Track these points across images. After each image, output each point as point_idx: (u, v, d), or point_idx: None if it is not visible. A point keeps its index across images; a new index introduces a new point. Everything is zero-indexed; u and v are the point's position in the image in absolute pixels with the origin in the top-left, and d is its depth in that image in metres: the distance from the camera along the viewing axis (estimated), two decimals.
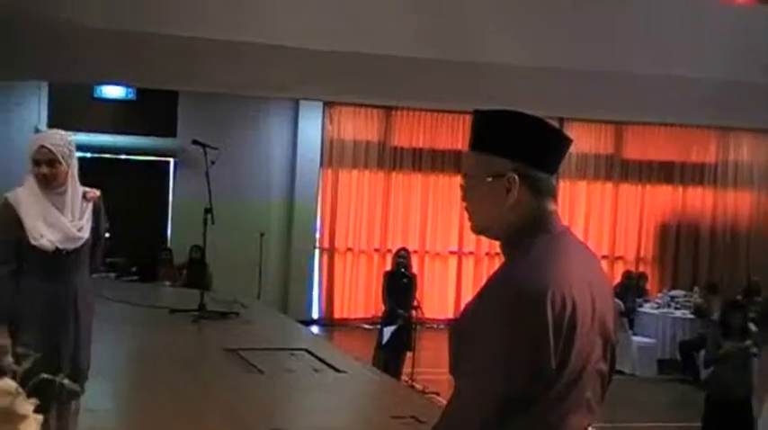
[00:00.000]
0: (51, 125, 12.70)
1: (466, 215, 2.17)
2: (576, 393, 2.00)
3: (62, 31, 9.66)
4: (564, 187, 15.12)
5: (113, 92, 14.07)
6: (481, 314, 2.04)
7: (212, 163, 8.92)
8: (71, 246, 4.24)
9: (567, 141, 2.16)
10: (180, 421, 5.33)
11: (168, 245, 14.36)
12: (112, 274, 12.55)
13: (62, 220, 4.23)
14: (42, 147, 4.18)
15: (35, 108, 13.65)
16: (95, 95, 14.04)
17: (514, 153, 2.07)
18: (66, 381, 1.68)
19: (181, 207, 14.12)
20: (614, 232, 16.35)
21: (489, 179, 2.08)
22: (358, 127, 15.21)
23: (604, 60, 11.13)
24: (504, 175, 2.07)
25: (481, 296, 2.07)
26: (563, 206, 14.08)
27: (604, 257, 15.60)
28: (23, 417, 1.50)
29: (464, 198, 2.15)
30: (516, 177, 2.06)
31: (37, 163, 4.19)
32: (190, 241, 12.55)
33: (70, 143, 4.28)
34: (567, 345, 1.96)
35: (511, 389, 1.94)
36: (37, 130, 11.89)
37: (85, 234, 4.30)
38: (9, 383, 1.50)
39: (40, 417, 1.53)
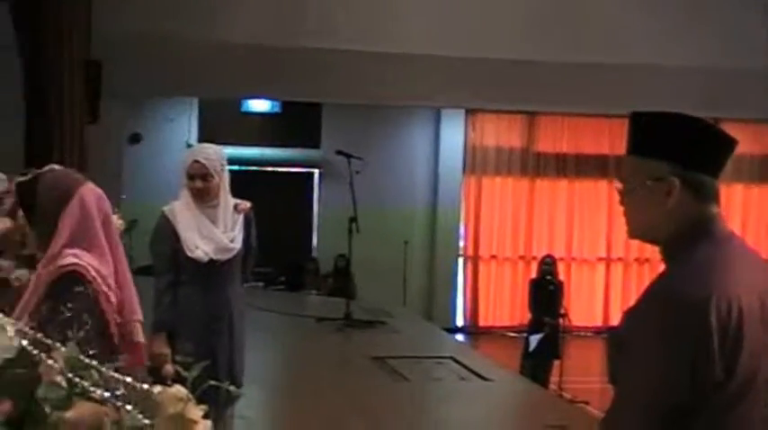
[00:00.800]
0: (201, 139, 13.11)
1: (622, 220, 2.12)
2: (746, 405, 1.91)
3: (210, 49, 9.99)
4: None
5: (260, 105, 14.43)
6: (639, 322, 1.99)
7: (356, 172, 9.01)
8: (224, 257, 4.34)
9: (732, 143, 2.06)
10: (327, 428, 5.40)
11: (314, 254, 14.60)
12: (261, 284, 12.84)
13: (215, 232, 4.32)
14: (196, 161, 4.29)
15: (186, 123, 14.12)
16: (243, 109, 14.44)
17: (674, 156, 2.00)
18: (231, 388, 1.73)
19: (326, 217, 14.33)
20: None
21: (649, 183, 2.02)
22: (501, 133, 15.08)
23: (759, 56, 10.68)
24: (663, 179, 2.00)
25: (640, 303, 2.01)
26: None
27: None
28: (194, 423, 1.54)
29: (622, 202, 2.10)
30: (677, 181, 1.99)
31: (191, 177, 4.29)
32: (335, 250, 12.73)
33: (222, 157, 4.37)
34: (734, 354, 1.88)
35: (666, 400, 1.88)
36: (188, 145, 12.28)
37: (237, 245, 4.38)
38: (181, 390, 1.55)
39: (209, 423, 1.58)
